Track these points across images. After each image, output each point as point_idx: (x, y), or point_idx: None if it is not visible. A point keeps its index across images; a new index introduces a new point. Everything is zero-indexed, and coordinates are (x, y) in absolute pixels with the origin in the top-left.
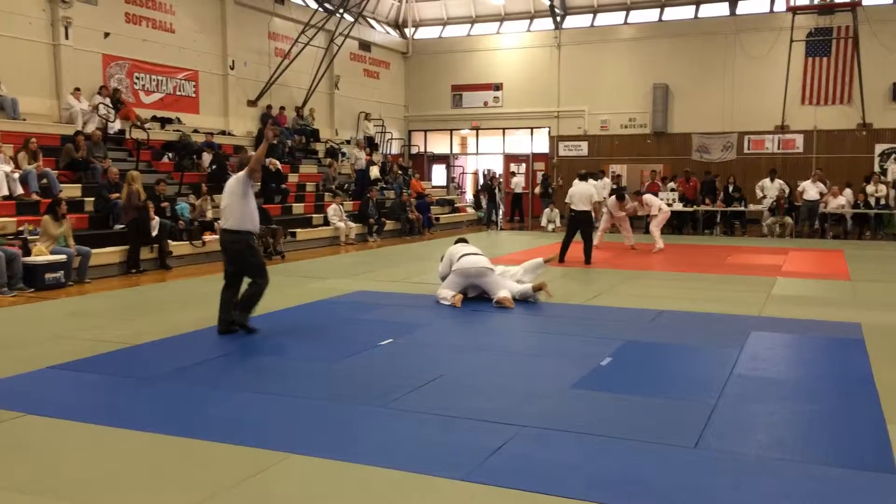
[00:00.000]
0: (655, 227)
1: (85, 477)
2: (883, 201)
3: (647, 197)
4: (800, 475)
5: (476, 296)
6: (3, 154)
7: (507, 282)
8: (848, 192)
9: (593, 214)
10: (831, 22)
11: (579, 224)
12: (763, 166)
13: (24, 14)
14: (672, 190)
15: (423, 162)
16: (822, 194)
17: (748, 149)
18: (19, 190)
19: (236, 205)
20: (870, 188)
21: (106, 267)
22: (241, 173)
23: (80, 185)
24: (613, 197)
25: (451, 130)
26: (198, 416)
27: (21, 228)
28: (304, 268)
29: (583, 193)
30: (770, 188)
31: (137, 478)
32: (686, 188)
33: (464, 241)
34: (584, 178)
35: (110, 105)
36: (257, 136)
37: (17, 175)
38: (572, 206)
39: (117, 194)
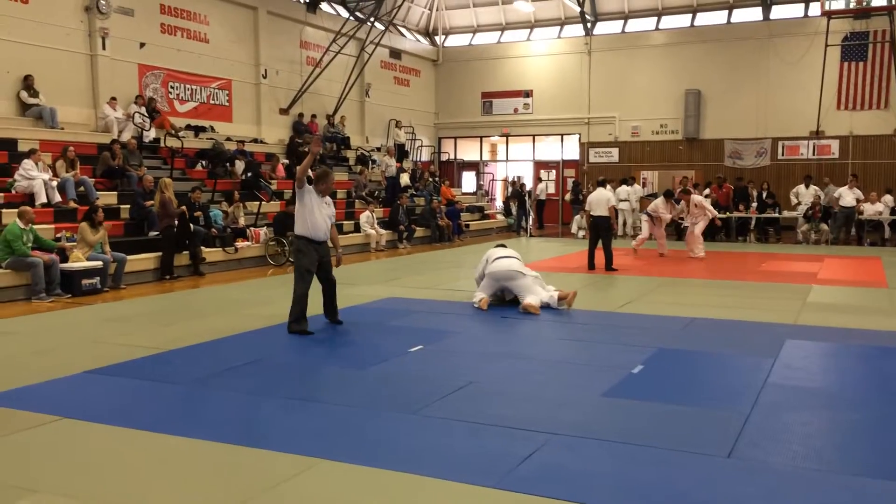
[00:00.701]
0: (700, 230)
1: (120, 481)
2: None
3: (697, 198)
4: (836, 486)
5: (512, 299)
6: (42, 162)
7: (537, 287)
8: (888, 198)
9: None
10: (867, 26)
11: (599, 230)
12: (798, 172)
13: (62, 25)
14: (706, 196)
15: (453, 169)
16: (858, 200)
17: (782, 155)
18: (57, 197)
19: (296, 212)
20: None
21: (141, 273)
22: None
23: (115, 192)
24: (661, 197)
25: (481, 137)
26: (229, 420)
27: (59, 235)
28: (335, 274)
29: (601, 199)
30: (805, 194)
31: (171, 482)
32: (719, 194)
33: (502, 245)
34: (602, 184)
35: (145, 114)
36: (289, 144)
37: (55, 183)
38: (592, 212)
39: (152, 202)
